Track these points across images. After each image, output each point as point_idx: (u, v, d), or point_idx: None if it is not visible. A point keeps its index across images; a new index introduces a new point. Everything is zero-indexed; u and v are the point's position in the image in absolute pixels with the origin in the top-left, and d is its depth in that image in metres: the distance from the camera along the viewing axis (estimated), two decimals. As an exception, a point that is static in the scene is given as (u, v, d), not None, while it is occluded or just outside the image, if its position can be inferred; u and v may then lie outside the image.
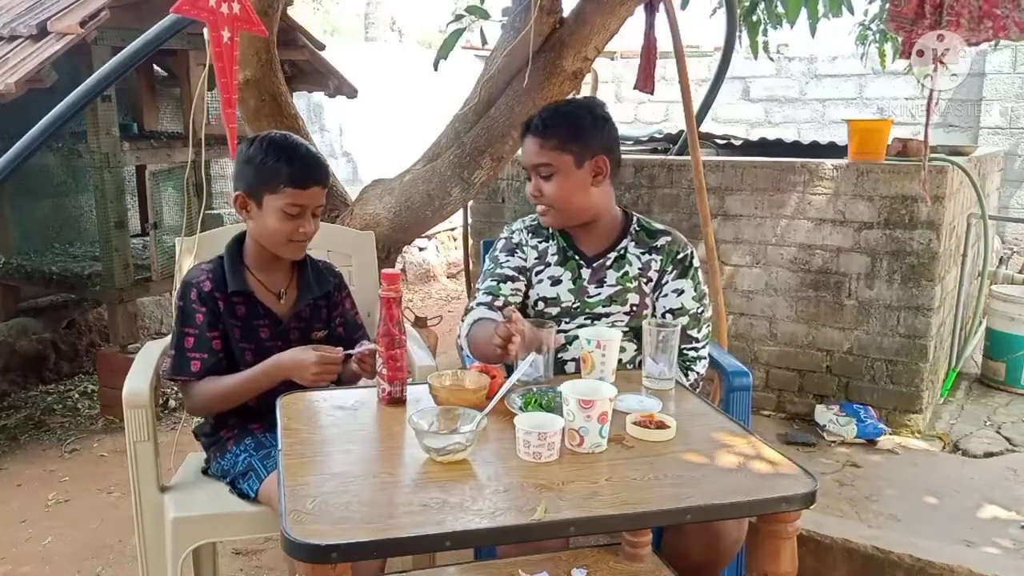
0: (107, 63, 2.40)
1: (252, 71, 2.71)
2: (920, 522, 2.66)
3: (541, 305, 2.06)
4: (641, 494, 1.34)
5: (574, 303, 2.04)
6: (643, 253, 2.06)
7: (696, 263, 2.07)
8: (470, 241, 4.38)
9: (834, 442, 3.29)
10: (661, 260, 2.05)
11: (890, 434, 3.35)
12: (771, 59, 5.35)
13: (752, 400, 2.18)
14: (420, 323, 4.27)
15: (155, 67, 4.67)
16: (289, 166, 1.84)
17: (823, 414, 3.39)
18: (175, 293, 2.04)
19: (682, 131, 3.95)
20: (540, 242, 2.12)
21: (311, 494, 1.30)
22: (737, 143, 4.55)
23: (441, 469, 1.40)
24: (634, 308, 2.03)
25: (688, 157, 3.20)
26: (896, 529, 2.59)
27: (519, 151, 2.18)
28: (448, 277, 6.99)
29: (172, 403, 3.82)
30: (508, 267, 2.10)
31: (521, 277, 2.09)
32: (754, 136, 5.46)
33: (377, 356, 1.69)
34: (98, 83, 2.38)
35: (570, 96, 2.89)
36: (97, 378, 3.97)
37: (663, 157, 3.94)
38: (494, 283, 2.08)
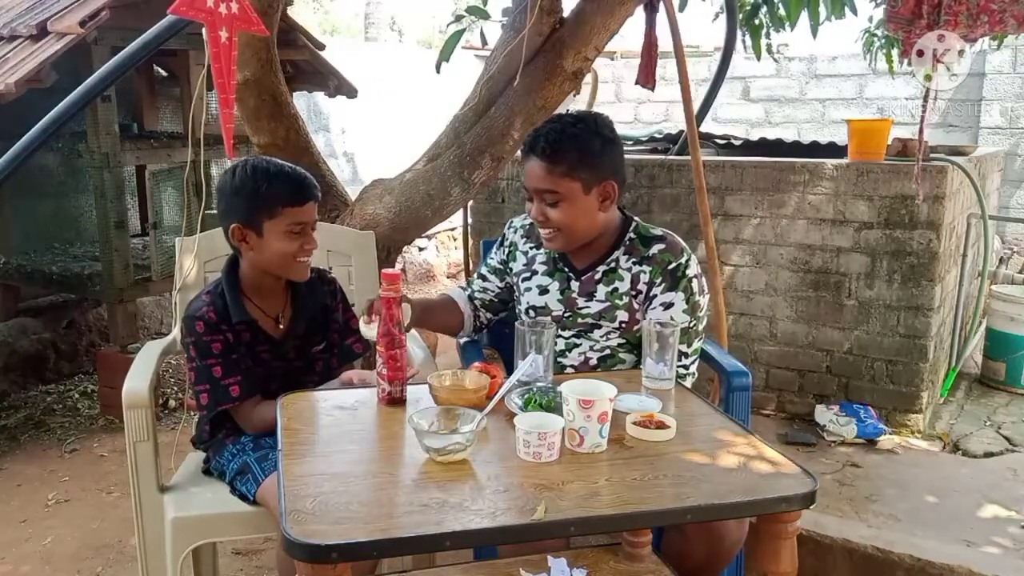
0: (107, 63, 2.39)
1: (252, 71, 2.70)
2: (920, 522, 2.66)
3: (532, 313, 2.03)
4: (641, 494, 1.34)
5: (565, 312, 1.99)
6: (634, 264, 1.95)
7: (690, 272, 1.93)
8: (470, 241, 4.38)
9: (834, 442, 3.29)
10: (651, 272, 1.93)
11: (890, 434, 3.35)
12: (775, 60, 5.34)
13: (752, 400, 2.18)
14: (420, 323, 4.26)
15: (155, 67, 4.67)
16: (283, 187, 1.85)
17: (823, 414, 3.39)
18: (177, 326, 2.02)
19: (682, 131, 3.94)
20: (531, 248, 2.09)
21: (311, 494, 1.30)
22: (737, 143, 4.54)
23: (441, 469, 1.40)
24: (623, 324, 1.96)
25: (688, 157, 3.20)
26: (896, 529, 2.59)
27: (519, 152, 2.16)
28: (448, 277, 6.99)
29: (172, 403, 3.82)
30: (487, 266, 2.21)
31: (493, 277, 2.20)
32: (754, 136, 5.46)
33: (377, 356, 1.69)
34: (98, 83, 2.38)
35: (571, 108, 2.88)
36: (97, 378, 3.97)
37: (663, 157, 3.94)
38: (475, 276, 2.26)
